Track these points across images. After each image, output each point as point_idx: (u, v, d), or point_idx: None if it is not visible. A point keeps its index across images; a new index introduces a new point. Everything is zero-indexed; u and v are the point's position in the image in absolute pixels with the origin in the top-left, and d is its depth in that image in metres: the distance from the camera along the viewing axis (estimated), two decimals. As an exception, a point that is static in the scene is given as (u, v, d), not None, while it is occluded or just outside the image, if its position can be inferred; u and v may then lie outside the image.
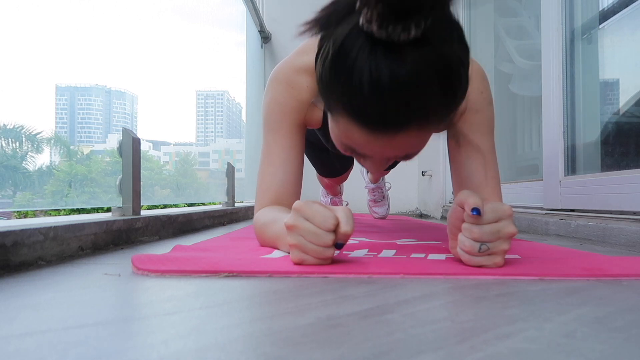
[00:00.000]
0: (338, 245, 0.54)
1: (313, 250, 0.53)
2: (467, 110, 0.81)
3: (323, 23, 0.55)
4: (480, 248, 0.53)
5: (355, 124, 0.55)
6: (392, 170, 1.81)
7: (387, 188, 1.92)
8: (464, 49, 0.52)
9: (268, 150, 0.80)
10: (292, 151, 0.80)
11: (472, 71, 0.83)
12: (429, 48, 0.48)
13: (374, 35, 0.47)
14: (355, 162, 1.46)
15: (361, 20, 0.47)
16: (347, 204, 1.93)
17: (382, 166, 0.67)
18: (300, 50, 0.83)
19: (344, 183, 1.97)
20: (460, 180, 0.81)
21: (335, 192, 1.88)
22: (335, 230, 0.53)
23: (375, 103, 0.50)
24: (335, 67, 0.51)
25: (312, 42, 0.81)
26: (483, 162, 0.79)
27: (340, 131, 0.60)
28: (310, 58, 0.78)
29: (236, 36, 2.22)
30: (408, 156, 0.64)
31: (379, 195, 1.91)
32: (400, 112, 0.51)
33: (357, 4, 0.48)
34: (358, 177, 2.00)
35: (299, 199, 0.79)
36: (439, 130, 0.60)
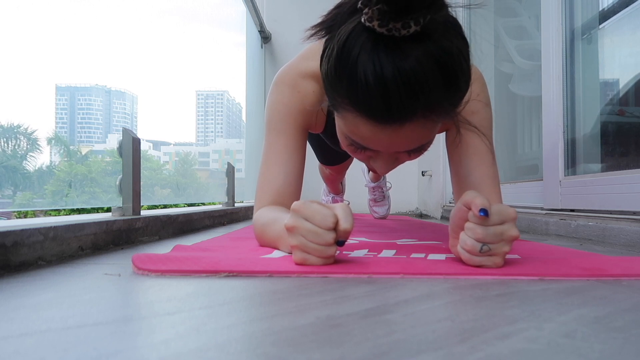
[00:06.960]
0: (339, 243, 0.54)
1: (315, 250, 0.53)
2: (465, 112, 0.81)
3: (328, 26, 0.59)
4: (481, 248, 0.53)
5: (361, 118, 0.56)
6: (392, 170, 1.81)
7: (387, 188, 1.92)
8: (464, 42, 0.55)
9: (270, 150, 0.80)
10: (294, 152, 0.80)
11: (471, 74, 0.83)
12: (428, 41, 0.51)
13: (375, 31, 0.50)
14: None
15: (363, 19, 0.50)
16: (348, 203, 1.92)
17: (390, 165, 0.68)
18: (305, 55, 0.83)
19: (346, 183, 1.97)
20: (459, 180, 0.81)
21: (337, 190, 1.88)
22: (335, 228, 0.53)
23: (380, 95, 0.52)
24: (340, 63, 0.54)
25: (316, 47, 0.82)
26: (481, 162, 0.79)
27: (347, 127, 0.61)
28: (315, 64, 0.78)
29: (236, 36, 2.22)
30: (416, 151, 0.65)
31: (379, 194, 1.90)
32: (405, 102, 0.52)
33: (359, 4, 0.50)
34: (359, 178, 2.00)
35: (298, 199, 0.79)
36: (445, 122, 0.61)
